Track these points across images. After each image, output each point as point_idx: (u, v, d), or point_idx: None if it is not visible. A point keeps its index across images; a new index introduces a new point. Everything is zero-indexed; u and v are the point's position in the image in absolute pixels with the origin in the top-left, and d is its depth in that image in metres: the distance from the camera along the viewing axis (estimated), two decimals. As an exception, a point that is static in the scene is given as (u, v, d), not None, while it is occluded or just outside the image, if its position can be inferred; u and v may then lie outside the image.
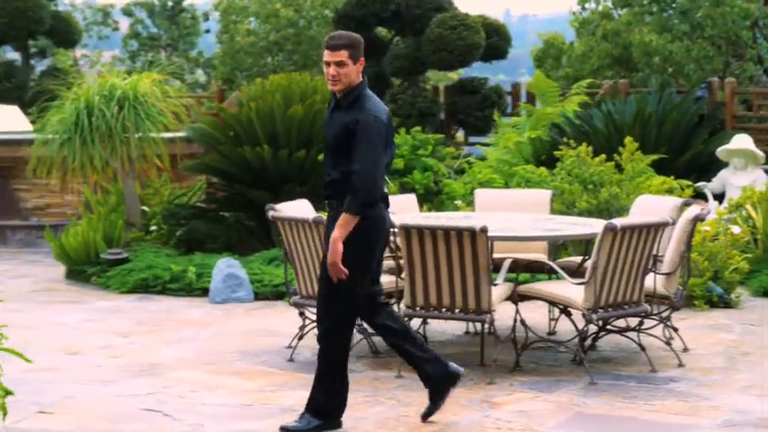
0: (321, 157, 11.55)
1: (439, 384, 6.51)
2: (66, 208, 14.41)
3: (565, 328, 8.56)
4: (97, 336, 9.02)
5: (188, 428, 6.41)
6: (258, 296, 10.47)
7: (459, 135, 18.63)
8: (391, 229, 7.47)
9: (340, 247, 6.01)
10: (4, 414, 6.01)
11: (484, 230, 7.25)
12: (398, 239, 7.54)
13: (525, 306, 8.53)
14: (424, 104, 16.23)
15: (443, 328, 9.07)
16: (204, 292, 10.66)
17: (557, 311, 8.64)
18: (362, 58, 6.17)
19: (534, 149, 14.21)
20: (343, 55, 6.04)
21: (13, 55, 22.28)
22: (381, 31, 17.64)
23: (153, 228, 12.41)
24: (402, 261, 7.55)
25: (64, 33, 20.43)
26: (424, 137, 11.97)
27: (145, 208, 12.68)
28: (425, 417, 6.53)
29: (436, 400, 6.52)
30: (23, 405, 6.80)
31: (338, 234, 6.03)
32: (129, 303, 10.49)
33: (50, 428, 6.38)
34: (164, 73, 12.63)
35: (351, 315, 6.32)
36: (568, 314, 8.07)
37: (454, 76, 21.78)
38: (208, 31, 33.80)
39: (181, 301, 10.56)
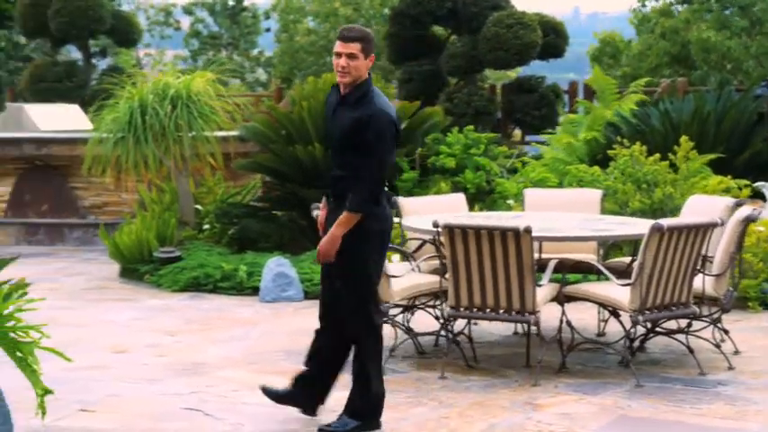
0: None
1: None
2: (122, 206, 14.51)
3: (615, 329, 8.47)
4: (146, 334, 9.06)
5: (228, 428, 6.41)
6: (308, 295, 10.45)
7: (517, 133, 18.54)
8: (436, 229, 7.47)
9: (338, 243, 5.99)
10: (44, 412, 6.03)
11: (528, 230, 7.18)
12: (442, 239, 7.49)
13: (575, 307, 8.47)
14: (479, 103, 16.16)
15: (491, 329, 9.00)
16: (255, 290, 10.68)
17: (607, 312, 8.54)
18: (373, 55, 6.11)
19: (590, 148, 14.08)
20: (355, 47, 5.96)
21: (76, 54, 22.50)
22: (438, 29, 17.58)
23: (206, 226, 12.44)
24: (446, 261, 7.50)
25: (124, 33, 20.59)
26: (476, 136, 11.91)
27: (198, 206, 12.73)
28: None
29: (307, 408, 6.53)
30: (66, 403, 6.84)
31: (339, 231, 5.99)
32: (179, 302, 10.53)
33: (91, 427, 6.41)
34: (218, 72, 12.65)
35: (378, 315, 6.30)
36: (617, 315, 7.98)
37: (513, 74, 21.66)
38: (268, 30, 33.93)
39: (231, 299, 10.58)
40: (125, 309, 10.21)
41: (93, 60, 21.50)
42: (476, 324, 9.02)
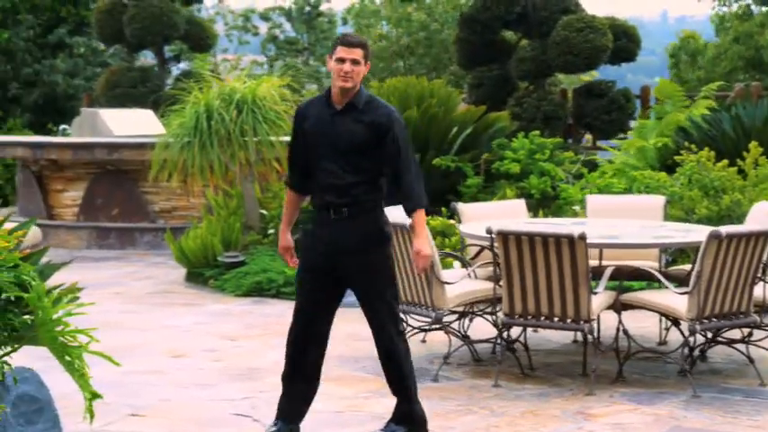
0: (438, 161, 11.59)
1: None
2: (191, 211, 14.59)
3: (678, 337, 8.32)
4: (205, 339, 9.09)
5: (274, 435, 6.39)
6: (370, 301, 10.40)
7: (590, 138, 18.36)
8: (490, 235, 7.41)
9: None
10: (91, 417, 6.06)
11: (582, 237, 7.09)
12: (496, 245, 7.42)
13: (637, 315, 8.36)
14: (548, 108, 16.02)
15: (551, 336, 8.90)
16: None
17: (669, 321, 8.41)
18: (369, 63, 6.13)
19: (660, 154, 13.90)
20: (358, 53, 5.97)
21: (153, 60, 22.73)
22: (507, 33, 17.47)
23: (271, 231, 12.46)
24: (500, 268, 7.43)
25: (198, 38, 20.74)
26: (540, 141, 11.80)
27: (263, 211, 12.75)
28: None
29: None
30: (117, 407, 6.89)
31: (426, 232, 6.21)
32: (241, 307, 10.56)
33: (138, 431, 6.43)
34: (291, 76, 12.65)
35: (399, 318, 6.30)
36: (677, 324, 7.85)
37: (588, 78, 21.47)
38: (349, 36, 33.98)
39: (293, 304, 10.52)
40: (187, 313, 10.26)
41: (168, 66, 21.71)
42: (536, 331, 8.94)
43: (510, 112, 15.83)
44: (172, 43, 21.63)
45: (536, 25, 16.57)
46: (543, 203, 11.38)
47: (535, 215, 10.96)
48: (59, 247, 15.05)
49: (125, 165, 14.85)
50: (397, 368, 6.18)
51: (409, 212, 6.12)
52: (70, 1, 22.67)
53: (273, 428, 6.17)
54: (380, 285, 6.12)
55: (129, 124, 17.30)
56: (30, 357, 6.33)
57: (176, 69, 22.47)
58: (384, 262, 6.12)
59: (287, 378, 6.30)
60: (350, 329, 9.37)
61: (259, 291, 10.98)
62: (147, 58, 23.87)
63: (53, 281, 10.49)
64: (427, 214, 10.98)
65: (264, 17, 34.91)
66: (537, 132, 12.12)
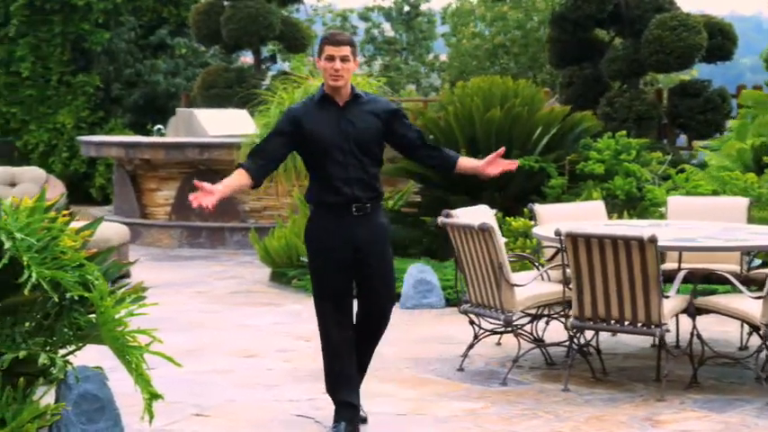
0: (521, 161, 11.45)
1: None
2: (281, 210, 14.66)
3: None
4: (279, 339, 9.10)
5: (334, 437, 6.37)
6: (450, 302, 10.34)
7: (686, 138, 18.04)
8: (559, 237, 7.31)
9: None
10: (151, 417, 6.10)
11: (652, 240, 6.95)
12: (565, 247, 7.31)
13: (721, 319, 8.15)
14: (641, 108, 15.77)
15: (628, 340, 8.75)
16: (397, 297, 10.61)
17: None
18: (357, 60, 6.28)
19: (755, 155, 13.58)
20: (347, 50, 6.10)
21: (248, 60, 22.89)
22: (600, 32, 17.24)
23: (355, 232, 12.44)
24: (569, 270, 7.32)
25: (293, 39, 20.81)
26: (626, 141, 11.61)
27: (347, 212, 12.73)
28: None
29: None
30: (183, 407, 6.92)
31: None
32: (321, 307, 10.54)
33: (198, 431, 6.45)
34: (375, 76, 12.63)
35: None
36: (757, 329, 7.65)
37: (686, 77, 21.11)
38: (444, 35, 33.95)
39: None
40: (266, 313, 10.29)
41: (265, 66, 21.83)
42: (614, 335, 8.80)
43: (601, 111, 15.63)
44: (268, 44, 21.76)
45: (629, 23, 16.33)
46: (629, 205, 11.20)
47: (620, 217, 10.79)
48: (152, 246, 15.26)
49: (216, 164, 14.97)
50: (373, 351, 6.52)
51: (453, 165, 6.43)
52: (171, 2, 22.93)
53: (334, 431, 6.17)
54: (390, 274, 6.35)
55: (224, 124, 17.44)
56: (99, 356, 6.41)
57: (273, 70, 22.59)
58: (390, 251, 6.38)
59: (338, 391, 6.33)
60: (430, 331, 9.34)
61: (340, 291, 10.94)
62: (247, 58, 24.04)
63: (134, 279, 10.58)
64: (509, 215, 10.95)
65: (363, 17, 34.99)
66: (623, 133, 11.92)
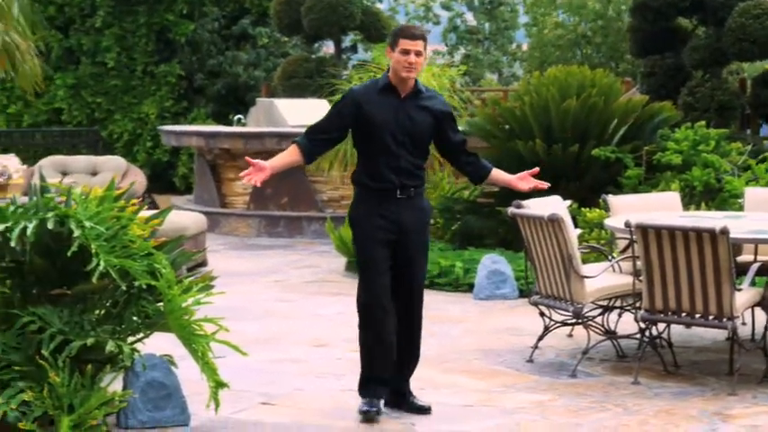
0: (597, 152, 11.36)
1: None
2: (358, 200, 14.65)
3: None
4: (350, 329, 9.00)
5: (398, 427, 6.37)
6: (523, 293, 10.26)
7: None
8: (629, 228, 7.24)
9: None
10: (217, 405, 6.15)
11: (724, 232, 6.84)
12: (635, 239, 7.23)
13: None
14: (723, 98, 15.51)
15: (702, 333, 8.62)
16: (470, 287, 10.59)
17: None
18: (427, 53, 6.47)
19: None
20: (421, 45, 6.29)
21: (330, 50, 22.93)
22: (682, 21, 16.99)
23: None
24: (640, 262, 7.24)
25: (374, 29, 20.82)
26: (705, 132, 11.44)
27: (423, 201, 12.70)
28: None
29: None
30: (251, 396, 6.96)
31: None
32: (394, 297, 10.54)
33: (264, 420, 6.48)
34: (445, 67, 12.59)
35: None
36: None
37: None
38: (526, 25, 33.74)
39: (446, 296, 10.53)
40: (338, 303, 10.30)
41: (345, 56, 21.88)
42: (688, 327, 8.68)
43: (682, 101, 15.42)
44: (349, 33, 21.79)
45: (711, 12, 16.07)
46: (707, 196, 11.03)
47: (698, 208, 10.64)
48: (230, 235, 15.38)
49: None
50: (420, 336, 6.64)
51: (486, 175, 6.75)
52: (253, -9, 23.06)
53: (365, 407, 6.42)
54: (426, 258, 6.55)
55: (303, 114, 17.48)
56: (169, 344, 6.48)
57: (354, 60, 22.62)
58: (429, 236, 6.67)
59: (381, 381, 6.52)
60: (501, 322, 9.30)
61: (413, 281, 10.91)
62: (329, 48, 24.10)
63: (212, 268, 10.60)
64: (585, 206, 10.85)
65: (446, 6, 34.88)
66: (702, 123, 11.74)
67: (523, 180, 6.74)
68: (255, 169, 6.26)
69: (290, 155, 6.38)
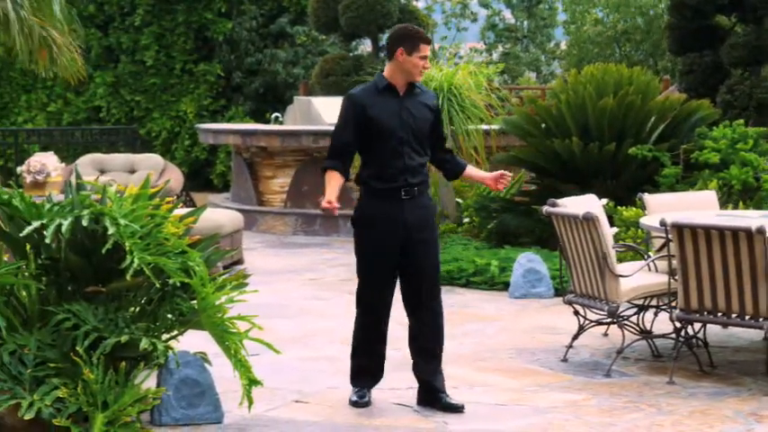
0: (633, 150, 11.30)
1: None
2: (394, 199, 14.65)
3: None
4: (386, 327, 9.09)
5: (431, 426, 6.37)
6: (559, 292, 10.23)
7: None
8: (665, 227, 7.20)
9: None
10: (250, 403, 6.17)
11: (761, 231, 6.80)
12: (671, 237, 7.19)
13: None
14: (763, 96, 15.38)
15: (740, 332, 8.55)
16: (506, 286, 10.57)
17: None
18: None
19: None
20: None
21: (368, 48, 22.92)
22: (721, 18, 16.87)
23: (466, 220, 12.43)
24: (675, 261, 7.20)
25: (414, 27, 20.76)
26: (743, 130, 11.36)
27: (459, 200, 12.72)
28: None
29: None
30: (284, 393, 6.98)
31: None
32: (430, 295, 10.53)
33: (296, 419, 6.49)
34: (481, 66, 12.57)
35: None
36: None
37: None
38: (565, 23, 33.63)
39: (481, 294, 10.51)
40: (374, 301, 10.29)
41: (383, 54, 21.87)
42: (725, 327, 8.62)
43: (721, 99, 15.32)
44: (386, 32, 21.78)
45: (750, 9, 15.95)
46: (745, 195, 10.96)
47: (736, 207, 10.57)
48: (267, 233, 15.42)
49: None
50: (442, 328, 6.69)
51: (461, 172, 6.79)
52: (292, -11, 23.10)
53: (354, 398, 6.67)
54: (436, 256, 6.66)
55: (341, 112, 17.52)
56: (204, 341, 6.50)
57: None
58: (437, 234, 6.73)
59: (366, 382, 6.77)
60: (537, 321, 9.27)
61: (449, 280, 10.89)
62: (366, 47, 24.10)
63: (248, 266, 10.59)
64: (622, 204, 10.80)
65: (484, 4, 34.80)
66: (741, 122, 11.66)
67: (497, 180, 6.69)
68: (332, 209, 6.40)
69: (337, 180, 6.48)
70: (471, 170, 6.88)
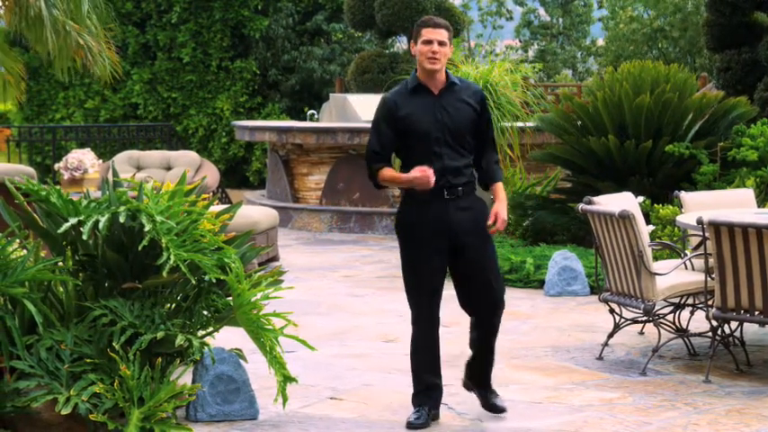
0: (670, 147, 11.24)
1: None
2: (429, 196, 14.64)
3: None
4: (420, 324, 9.09)
5: (465, 424, 6.36)
6: (594, 290, 10.20)
7: None
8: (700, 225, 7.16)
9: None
10: (284, 399, 6.19)
11: (799, 230, 6.75)
12: (708, 236, 7.15)
13: None
14: (800, 93, 15.26)
15: (778, 332, 8.52)
16: (541, 284, 10.55)
17: None
18: (452, 45, 6.25)
19: None
20: (444, 35, 6.07)
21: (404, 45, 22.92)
22: (759, 15, 16.74)
23: (501, 217, 12.37)
24: (712, 260, 7.16)
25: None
26: (781, 127, 11.30)
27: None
28: None
29: None
30: (319, 390, 6.99)
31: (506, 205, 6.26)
32: (465, 292, 10.52)
33: (330, 415, 6.50)
34: (519, 64, 12.54)
35: None
36: None
37: None
38: (602, 19, 33.53)
39: (516, 292, 10.47)
40: (409, 298, 10.29)
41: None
42: (763, 326, 8.56)
43: (758, 96, 15.20)
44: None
45: (790, 6, 15.83)
46: (784, 193, 10.90)
47: (758, 206, 10.49)
48: (302, 230, 15.45)
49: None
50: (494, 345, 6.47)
51: (488, 186, 6.31)
52: (335, -14, 23.16)
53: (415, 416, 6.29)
54: (493, 260, 6.28)
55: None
56: (241, 338, 6.53)
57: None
58: (490, 236, 6.24)
59: (426, 392, 6.39)
60: (572, 319, 9.24)
61: (485, 277, 10.88)
62: (402, 44, 24.10)
63: (284, 262, 10.63)
64: (659, 202, 10.75)
65: (519, 1, 34.75)
66: (775, 119, 11.60)
67: (495, 222, 6.16)
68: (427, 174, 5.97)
69: (394, 170, 6.21)
70: (496, 190, 6.30)
